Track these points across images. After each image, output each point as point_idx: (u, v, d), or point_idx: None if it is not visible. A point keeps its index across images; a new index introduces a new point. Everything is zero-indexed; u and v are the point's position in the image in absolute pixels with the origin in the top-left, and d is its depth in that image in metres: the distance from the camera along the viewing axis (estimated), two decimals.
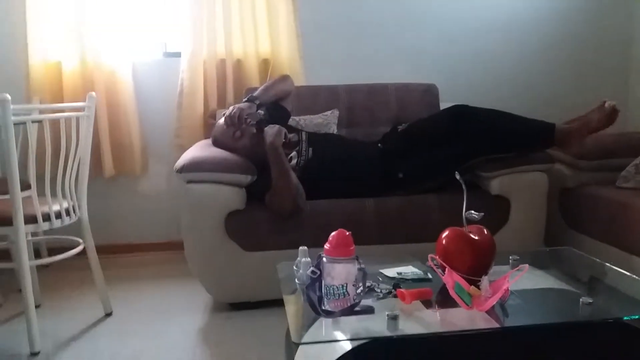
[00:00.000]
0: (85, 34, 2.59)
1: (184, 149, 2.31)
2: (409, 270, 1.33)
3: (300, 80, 2.72)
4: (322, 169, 2.15)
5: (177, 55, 2.72)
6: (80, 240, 2.06)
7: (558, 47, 3.03)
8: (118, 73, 2.66)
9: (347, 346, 1.04)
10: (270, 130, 2.01)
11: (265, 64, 2.77)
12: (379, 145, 2.29)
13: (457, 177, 1.27)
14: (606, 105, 1.98)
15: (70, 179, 1.97)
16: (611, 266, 1.39)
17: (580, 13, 3.03)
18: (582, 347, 1.14)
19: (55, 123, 1.93)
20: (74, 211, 1.99)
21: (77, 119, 1.96)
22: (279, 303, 1.22)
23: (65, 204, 1.94)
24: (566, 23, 3.02)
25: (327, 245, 1.11)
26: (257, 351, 1.77)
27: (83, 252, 2.04)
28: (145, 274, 2.58)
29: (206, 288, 2.08)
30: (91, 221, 2.11)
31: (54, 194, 1.92)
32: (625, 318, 1.11)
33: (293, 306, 1.19)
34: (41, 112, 2.28)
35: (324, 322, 1.09)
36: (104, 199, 2.78)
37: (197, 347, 1.82)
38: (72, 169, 1.97)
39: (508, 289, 1.11)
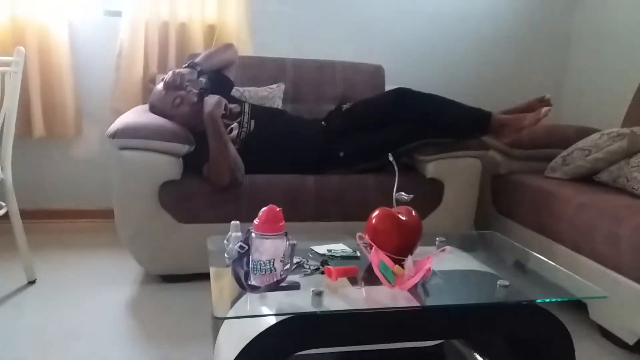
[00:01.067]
0: None
1: (120, 113, 2.22)
2: (339, 247, 1.34)
3: (247, 49, 2.66)
4: (263, 143, 2.13)
5: (118, 14, 2.59)
6: (3, 204, 1.95)
7: (502, 39, 3.11)
8: (52, 30, 2.50)
9: (272, 321, 1.05)
10: (210, 99, 1.96)
11: (211, 30, 2.68)
12: (322, 123, 2.29)
13: (390, 158, 1.29)
14: (542, 110, 2.05)
15: None
16: (531, 251, 1.46)
17: (525, 8, 3.11)
18: (497, 326, 1.20)
19: None
20: None
21: (3, 74, 1.84)
22: None
23: None
24: (512, 17, 3.10)
25: (256, 221, 1.10)
26: (187, 324, 1.75)
27: (6, 216, 1.93)
28: (74, 241, 2.48)
29: (137, 259, 2.02)
30: (19, 184, 2.00)
31: None
32: (537, 300, 1.17)
33: (220, 281, 1.18)
34: None
35: (249, 297, 1.09)
36: (33, 161, 2.65)
37: (125, 319, 1.78)
38: None
39: (430, 269, 1.15)
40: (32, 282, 2.00)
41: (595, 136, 2.17)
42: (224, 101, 2.00)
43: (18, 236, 1.97)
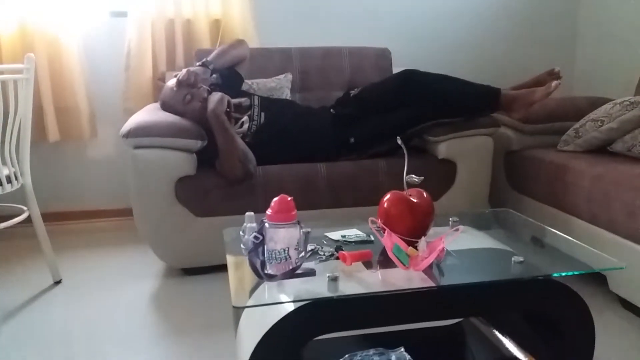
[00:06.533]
0: None
1: (132, 112, 2.26)
2: (353, 233, 1.36)
3: (252, 41, 2.67)
4: (274, 134, 2.15)
5: (124, 15, 2.61)
6: (25, 208, 2.00)
7: (508, 15, 3.07)
8: (60, 35, 2.53)
9: (290, 307, 1.07)
10: (213, 97, 1.99)
11: (216, 25, 2.70)
12: (331, 110, 2.29)
13: (399, 142, 1.29)
14: (552, 84, 2.03)
15: (10, 145, 1.90)
16: (546, 226, 1.46)
17: None
18: (514, 303, 1.21)
19: None
20: (16, 178, 1.93)
21: (15, 81, 1.88)
22: None
23: (5, 171, 1.88)
24: None
25: (269, 211, 1.12)
26: (209, 315, 1.79)
27: (28, 220, 1.99)
28: (95, 241, 2.54)
29: (157, 254, 2.07)
30: (38, 188, 2.05)
31: None
32: (554, 275, 1.17)
33: (238, 271, 1.21)
34: None
35: (267, 286, 1.11)
36: (51, 165, 2.71)
37: (149, 313, 1.83)
38: (11, 135, 1.90)
39: (444, 249, 1.16)
40: (58, 282, 2.06)
41: (607, 106, 2.14)
42: (227, 98, 2.02)
43: (41, 239, 2.03)
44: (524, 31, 3.11)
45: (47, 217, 2.10)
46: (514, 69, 2.96)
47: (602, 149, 2.16)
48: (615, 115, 2.07)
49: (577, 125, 2.22)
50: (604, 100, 2.29)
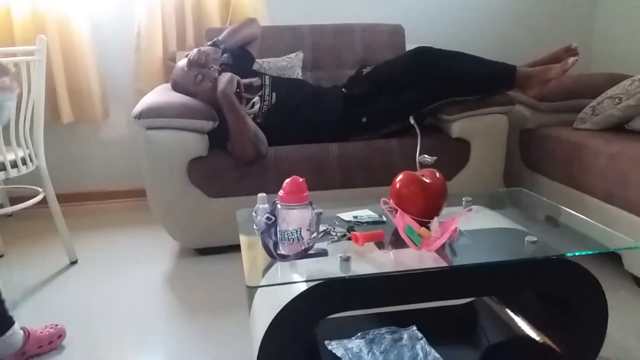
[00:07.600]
0: None
1: (143, 93, 2.26)
2: (365, 213, 1.36)
3: (263, 19, 2.64)
4: (286, 115, 2.13)
5: None
6: (40, 189, 2.03)
7: None
8: (71, 16, 2.52)
9: (302, 287, 1.08)
10: (222, 77, 1.98)
11: (226, 3, 2.66)
12: (343, 90, 2.27)
13: (412, 121, 1.28)
14: (569, 60, 1.98)
15: (24, 127, 1.91)
16: (560, 206, 1.45)
17: None
18: (527, 282, 1.20)
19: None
20: (31, 159, 1.95)
21: (28, 63, 1.88)
22: None
23: (20, 153, 1.90)
24: None
25: (281, 192, 1.12)
26: (223, 294, 1.81)
27: (44, 201, 2.01)
28: (109, 221, 2.57)
29: (171, 234, 2.09)
30: (53, 169, 2.07)
31: (8, 143, 1.87)
32: (567, 254, 1.17)
33: (251, 251, 1.22)
34: None
35: (279, 266, 1.12)
36: (64, 146, 2.73)
37: (163, 292, 1.85)
38: (25, 116, 1.91)
39: (457, 229, 1.15)
40: (74, 262, 2.10)
41: (625, 83, 2.09)
42: (237, 78, 2.01)
43: (57, 219, 2.06)
44: (541, 7, 3.03)
45: (62, 198, 2.13)
46: (530, 46, 2.90)
47: (619, 127, 2.12)
48: (633, 92, 2.02)
49: (594, 102, 2.17)
50: (622, 77, 2.24)
